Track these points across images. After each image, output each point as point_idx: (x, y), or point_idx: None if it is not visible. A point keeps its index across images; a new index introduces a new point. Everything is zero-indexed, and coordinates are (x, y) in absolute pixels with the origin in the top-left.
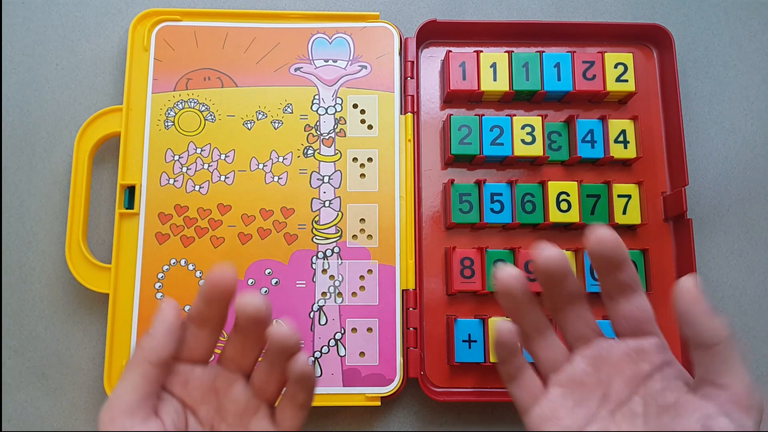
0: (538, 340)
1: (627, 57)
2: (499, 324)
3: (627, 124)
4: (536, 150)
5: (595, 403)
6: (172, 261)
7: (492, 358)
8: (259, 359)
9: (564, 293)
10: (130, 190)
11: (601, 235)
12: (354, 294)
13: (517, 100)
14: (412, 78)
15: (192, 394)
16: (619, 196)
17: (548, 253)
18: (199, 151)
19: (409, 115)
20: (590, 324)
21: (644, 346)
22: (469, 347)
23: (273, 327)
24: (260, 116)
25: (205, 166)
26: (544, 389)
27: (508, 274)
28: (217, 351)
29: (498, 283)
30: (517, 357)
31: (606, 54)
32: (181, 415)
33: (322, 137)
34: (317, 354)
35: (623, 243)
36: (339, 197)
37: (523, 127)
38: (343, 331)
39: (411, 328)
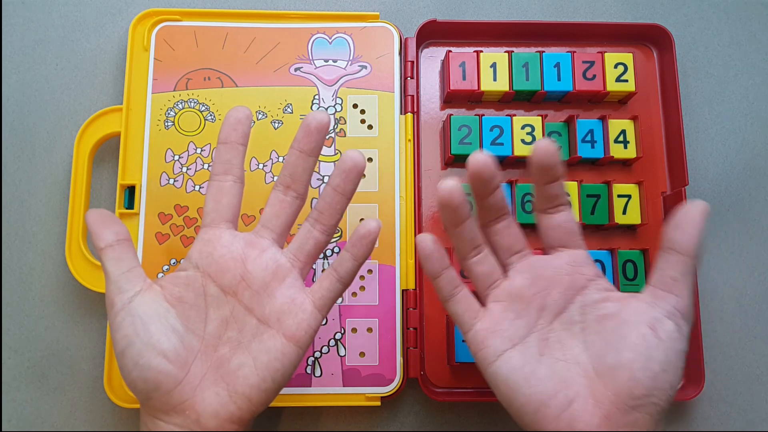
0: (474, 255)
1: (627, 57)
2: (420, 236)
3: (627, 124)
4: None
5: (534, 313)
6: (172, 261)
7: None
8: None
9: (493, 204)
10: (130, 190)
11: (546, 145)
12: (354, 294)
13: (517, 100)
14: (412, 78)
15: (217, 262)
16: (619, 196)
17: (479, 157)
18: (199, 151)
19: (409, 115)
20: (520, 238)
21: (577, 258)
22: None
23: (347, 152)
24: (260, 116)
25: (205, 166)
26: (484, 306)
27: (450, 185)
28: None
29: (441, 194)
30: (448, 270)
31: (606, 54)
32: (188, 287)
33: None
34: (317, 354)
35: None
36: None
37: (523, 127)
38: (343, 331)
39: (411, 328)
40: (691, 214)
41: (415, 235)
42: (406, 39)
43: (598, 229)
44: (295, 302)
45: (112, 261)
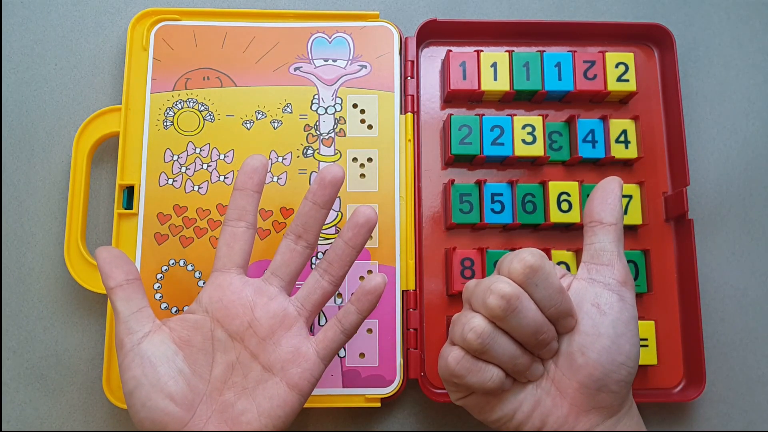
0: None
1: (628, 57)
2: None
3: (628, 124)
4: (537, 150)
5: None
6: (171, 261)
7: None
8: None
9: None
10: (129, 190)
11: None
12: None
13: (517, 99)
14: (412, 78)
15: (226, 307)
16: None
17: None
18: (198, 151)
19: (409, 114)
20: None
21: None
22: None
23: (360, 206)
24: (259, 116)
25: (204, 166)
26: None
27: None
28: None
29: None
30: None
31: (607, 54)
32: (196, 331)
33: (321, 137)
34: None
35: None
36: (339, 197)
37: (523, 127)
38: None
39: (411, 329)
40: (608, 186)
41: (415, 236)
42: (406, 38)
43: None
44: (299, 351)
45: (122, 301)
